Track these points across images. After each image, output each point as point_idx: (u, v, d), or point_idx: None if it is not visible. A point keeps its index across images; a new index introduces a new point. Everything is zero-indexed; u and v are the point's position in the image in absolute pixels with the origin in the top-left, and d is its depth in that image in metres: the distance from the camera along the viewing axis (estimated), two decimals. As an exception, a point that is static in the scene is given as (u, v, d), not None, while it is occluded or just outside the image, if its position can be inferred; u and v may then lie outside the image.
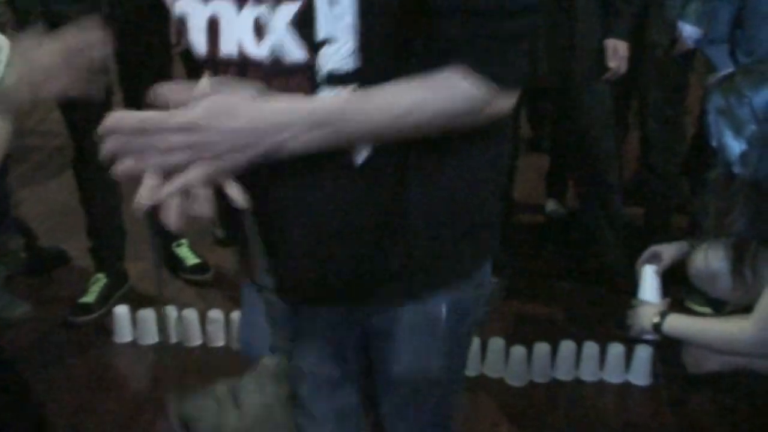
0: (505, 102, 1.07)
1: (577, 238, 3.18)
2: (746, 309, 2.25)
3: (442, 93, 1.04)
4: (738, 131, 2.05)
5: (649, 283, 2.48)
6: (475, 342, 2.54)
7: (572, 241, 3.21)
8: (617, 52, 2.60)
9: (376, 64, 1.03)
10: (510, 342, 2.54)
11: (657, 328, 2.29)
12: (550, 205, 3.49)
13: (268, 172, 1.02)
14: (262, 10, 1.02)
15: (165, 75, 2.79)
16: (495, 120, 1.09)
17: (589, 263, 2.95)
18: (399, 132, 1.04)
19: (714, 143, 2.10)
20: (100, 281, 2.91)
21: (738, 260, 2.23)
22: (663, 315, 2.27)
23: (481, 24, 1.01)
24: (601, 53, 2.62)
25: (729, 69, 2.40)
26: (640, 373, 2.50)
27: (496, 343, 2.53)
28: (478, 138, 1.12)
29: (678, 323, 2.26)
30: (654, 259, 2.53)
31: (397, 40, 1.03)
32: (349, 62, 1.02)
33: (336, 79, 1.03)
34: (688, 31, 2.79)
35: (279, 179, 1.08)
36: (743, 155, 2.07)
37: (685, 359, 2.38)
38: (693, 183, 3.14)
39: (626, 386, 2.50)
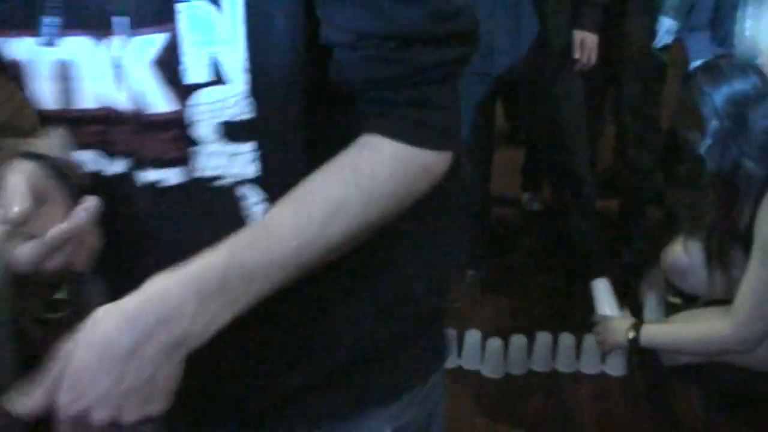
0: (441, 163, 0.82)
1: (552, 230, 3.19)
2: (717, 302, 2.27)
3: (364, 177, 0.78)
4: (701, 127, 2.07)
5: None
6: (452, 334, 2.55)
7: (548, 234, 3.22)
8: (584, 44, 2.60)
9: (280, 112, 0.79)
10: (486, 334, 2.54)
11: (634, 342, 2.27)
12: (526, 198, 3.50)
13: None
14: (118, 44, 0.79)
15: None
16: (435, 184, 0.83)
17: (565, 256, 2.96)
18: (326, 250, 0.78)
19: (681, 138, 2.12)
20: None
21: (709, 255, 2.25)
22: (637, 328, 2.26)
23: (390, 79, 0.79)
24: (570, 46, 2.62)
25: (705, 59, 2.42)
26: (616, 364, 2.51)
27: (473, 335, 2.54)
28: (421, 212, 0.83)
29: (655, 334, 2.25)
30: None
31: (301, 83, 0.79)
32: (243, 109, 0.78)
33: (229, 133, 0.79)
34: (667, 24, 2.80)
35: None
36: (708, 150, 2.09)
37: (660, 352, 2.40)
38: (667, 176, 3.17)
39: (602, 377, 2.51)
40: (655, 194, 3.13)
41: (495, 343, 2.51)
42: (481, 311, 2.80)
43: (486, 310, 2.81)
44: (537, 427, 2.32)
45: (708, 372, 2.29)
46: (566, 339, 2.53)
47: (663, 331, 2.24)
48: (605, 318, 2.39)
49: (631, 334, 2.26)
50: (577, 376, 2.52)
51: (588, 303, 2.77)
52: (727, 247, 2.18)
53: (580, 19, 2.58)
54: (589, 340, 2.52)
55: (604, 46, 2.72)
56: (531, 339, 2.54)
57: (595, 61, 2.65)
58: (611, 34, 2.79)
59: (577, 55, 2.60)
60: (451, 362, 2.53)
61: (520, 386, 2.48)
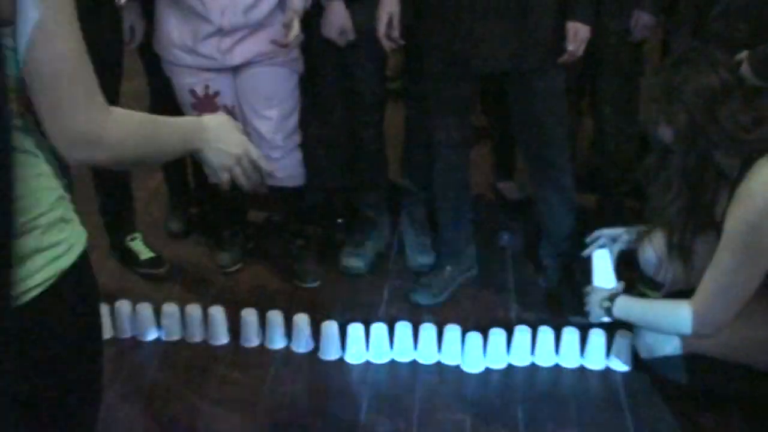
0: None
1: (531, 224, 3.19)
2: (680, 294, 2.29)
3: None
4: (669, 120, 2.08)
5: (602, 268, 2.51)
6: (432, 330, 2.55)
7: (527, 227, 3.23)
8: (578, 35, 2.57)
9: None
10: (466, 329, 2.55)
11: (608, 312, 2.33)
12: (506, 187, 3.49)
13: None
14: None
15: (118, 70, 2.78)
16: None
17: (544, 248, 2.96)
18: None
19: (649, 130, 2.14)
20: None
21: (670, 247, 2.28)
22: (612, 299, 2.31)
23: None
24: (555, 37, 2.62)
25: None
26: (595, 358, 2.52)
27: (453, 330, 2.54)
28: None
29: (625, 306, 2.30)
30: (610, 242, 2.57)
31: None
32: None
33: None
34: (645, 19, 2.81)
35: None
36: (676, 143, 2.11)
37: (637, 344, 2.42)
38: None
39: (581, 371, 2.52)
40: (634, 188, 3.14)
41: (474, 337, 2.51)
42: (460, 306, 2.80)
43: (465, 304, 2.82)
44: (517, 421, 2.33)
45: (683, 363, 2.31)
46: (545, 333, 2.53)
47: (634, 305, 2.30)
48: (595, 289, 2.40)
49: (605, 304, 2.31)
50: (556, 370, 2.53)
51: (568, 297, 2.78)
52: (689, 240, 2.20)
53: (574, 9, 2.56)
54: (568, 334, 2.54)
55: None
56: (510, 333, 2.54)
57: (582, 53, 2.63)
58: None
59: (570, 47, 2.57)
60: (430, 357, 2.54)
61: (499, 381, 2.49)
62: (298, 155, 2.84)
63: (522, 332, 2.54)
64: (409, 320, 2.60)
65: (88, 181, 2.99)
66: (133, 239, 3.06)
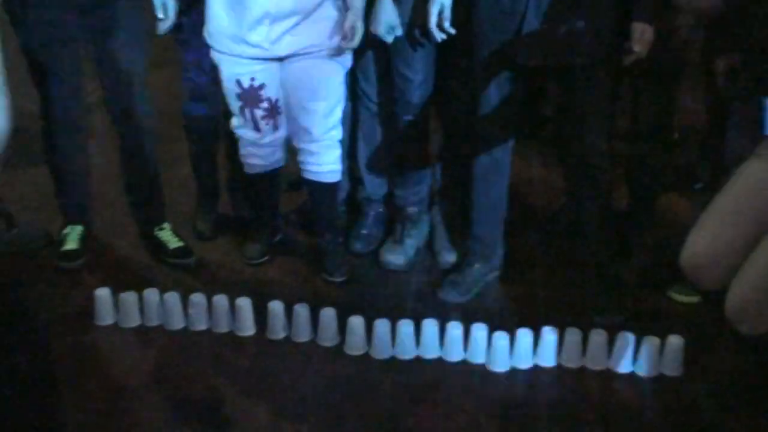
0: None
1: (562, 227, 3.17)
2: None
3: None
4: None
5: None
6: (459, 328, 2.54)
7: (557, 230, 3.20)
8: (644, 35, 2.50)
9: None
10: (493, 328, 2.54)
11: None
12: None
13: None
14: None
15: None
16: None
17: (575, 251, 2.94)
18: None
19: None
20: (77, 229, 3.03)
21: None
22: None
23: None
24: (610, 37, 2.54)
25: None
26: (622, 360, 2.50)
27: (479, 329, 2.53)
28: None
29: None
30: None
31: None
32: None
33: None
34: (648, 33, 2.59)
35: None
36: None
37: (731, 295, 2.26)
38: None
39: (607, 373, 2.50)
40: (665, 190, 3.11)
41: (501, 337, 2.50)
42: (488, 305, 2.79)
43: (492, 304, 2.80)
44: (541, 423, 2.31)
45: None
46: (573, 334, 2.51)
47: None
48: None
49: None
50: (583, 372, 2.50)
51: (594, 299, 2.76)
52: None
53: (639, 9, 2.50)
54: (595, 335, 2.51)
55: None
56: (537, 333, 2.53)
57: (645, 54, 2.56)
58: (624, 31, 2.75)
59: (636, 48, 2.51)
60: (456, 355, 2.53)
61: (526, 381, 2.48)
62: (337, 151, 2.84)
63: (549, 333, 2.52)
64: (436, 317, 2.59)
65: (118, 172, 3.02)
66: (161, 229, 3.08)
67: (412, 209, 3.08)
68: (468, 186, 2.89)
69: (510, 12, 2.50)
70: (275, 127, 2.81)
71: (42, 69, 2.75)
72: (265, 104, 2.75)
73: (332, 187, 2.90)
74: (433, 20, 2.55)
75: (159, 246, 3.06)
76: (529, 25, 2.48)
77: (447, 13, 2.55)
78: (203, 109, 3.02)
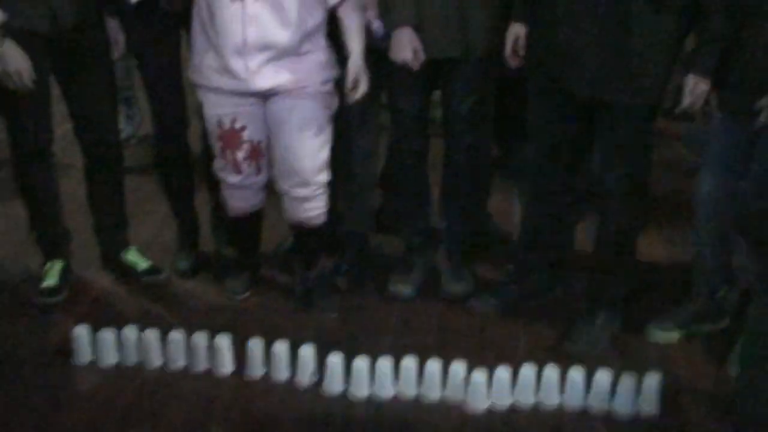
0: None
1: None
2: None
3: None
4: None
5: None
6: (437, 366, 2.54)
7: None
8: (696, 89, 2.46)
9: None
10: (471, 365, 2.54)
11: None
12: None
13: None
14: None
15: None
16: None
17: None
18: None
19: None
20: (57, 265, 3.01)
21: None
22: None
23: None
24: (664, 77, 2.53)
25: None
26: (600, 398, 2.50)
27: (458, 367, 2.53)
28: None
29: None
30: None
31: None
32: None
33: None
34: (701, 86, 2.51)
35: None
36: None
37: None
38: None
39: (585, 411, 2.50)
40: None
41: (480, 375, 2.50)
42: (466, 342, 2.79)
43: (471, 340, 2.80)
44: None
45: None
46: (551, 371, 2.52)
47: None
48: None
49: None
50: (560, 410, 2.50)
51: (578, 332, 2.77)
52: None
53: (695, 62, 2.46)
54: (573, 373, 2.51)
55: None
56: (516, 370, 2.53)
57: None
58: None
59: (686, 101, 2.48)
60: (434, 393, 2.53)
61: (503, 419, 2.48)
62: (325, 195, 2.83)
63: (527, 370, 2.52)
64: (415, 355, 2.59)
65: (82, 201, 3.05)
66: (127, 251, 3.13)
67: (417, 239, 3.10)
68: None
69: (555, 37, 2.54)
70: (257, 170, 2.80)
71: (10, 97, 2.73)
72: (246, 146, 2.74)
73: (321, 228, 2.89)
74: (508, 48, 2.66)
75: (127, 268, 3.09)
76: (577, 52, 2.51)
77: (521, 42, 2.63)
78: (173, 146, 3.05)
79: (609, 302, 2.83)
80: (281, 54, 2.61)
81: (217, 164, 2.82)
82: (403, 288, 3.04)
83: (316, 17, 2.64)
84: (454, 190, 3.02)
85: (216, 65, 2.65)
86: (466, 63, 2.76)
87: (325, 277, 3.02)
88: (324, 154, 2.76)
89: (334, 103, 2.75)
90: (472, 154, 2.93)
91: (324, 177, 2.79)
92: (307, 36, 2.63)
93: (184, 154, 3.11)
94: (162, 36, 2.86)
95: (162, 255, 3.23)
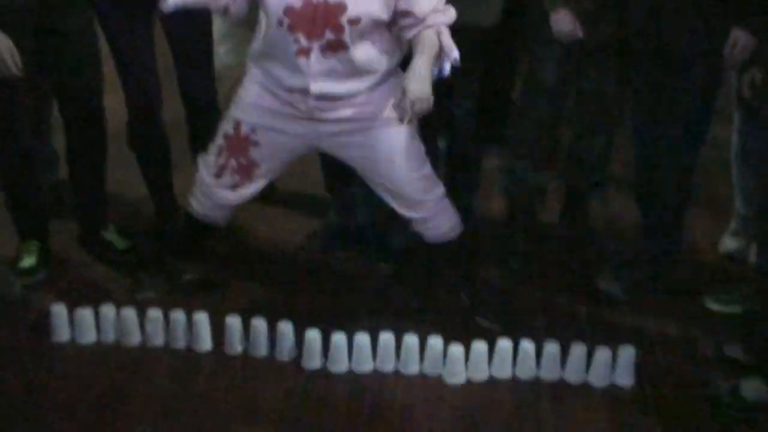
0: None
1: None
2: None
3: None
4: None
5: None
6: (415, 340, 2.56)
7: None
8: (738, 42, 2.52)
9: None
10: (448, 340, 2.56)
11: None
12: None
13: None
14: None
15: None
16: None
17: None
18: None
19: None
20: (34, 245, 3.01)
21: None
22: None
23: None
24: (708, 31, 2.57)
25: None
26: (576, 372, 2.53)
27: (435, 341, 2.55)
28: None
29: None
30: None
31: None
32: None
33: None
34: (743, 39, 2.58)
35: None
36: None
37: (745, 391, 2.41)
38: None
39: (561, 384, 2.53)
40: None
41: (456, 349, 2.52)
42: (443, 316, 2.81)
43: (449, 315, 2.82)
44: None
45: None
46: (525, 345, 2.54)
47: None
48: None
49: None
50: (537, 384, 2.54)
51: (545, 310, 2.80)
52: None
53: (744, 18, 2.53)
54: (548, 346, 2.54)
55: None
56: (492, 345, 2.55)
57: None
58: None
59: (727, 51, 2.56)
60: (412, 368, 2.55)
61: (481, 393, 2.50)
62: (450, 207, 2.67)
63: (504, 344, 2.55)
64: (392, 330, 2.61)
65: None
66: (107, 231, 3.13)
67: None
68: None
69: None
70: (233, 187, 2.65)
71: None
72: (243, 161, 2.60)
73: (453, 241, 2.72)
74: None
75: (106, 247, 3.09)
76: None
77: None
78: (147, 126, 3.07)
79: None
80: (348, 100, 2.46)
81: (205, 157, 2.69)
82: (396, 238, 3.06)
83: (392, 60, 2.45)
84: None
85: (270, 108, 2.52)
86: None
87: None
88: (424, 169, 2.58)
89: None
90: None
91: (436, 192, 2.62)
92: (379, 81, 2.45)
93: (159, 135, 3.10)
94: (135, 16, 2.85)
95: (141, 234, 3.22)
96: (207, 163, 2.68)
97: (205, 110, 3.13)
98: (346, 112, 2.46)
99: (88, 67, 2.87)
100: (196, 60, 3.06)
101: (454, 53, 2.37)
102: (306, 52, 2.34)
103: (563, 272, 3.07)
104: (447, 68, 2.40)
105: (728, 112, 3.10)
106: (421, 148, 2.58)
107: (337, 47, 2.33)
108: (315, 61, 2.35)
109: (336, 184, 3.13)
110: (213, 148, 2.65)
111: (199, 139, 3.03)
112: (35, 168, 3.00)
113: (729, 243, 3.16)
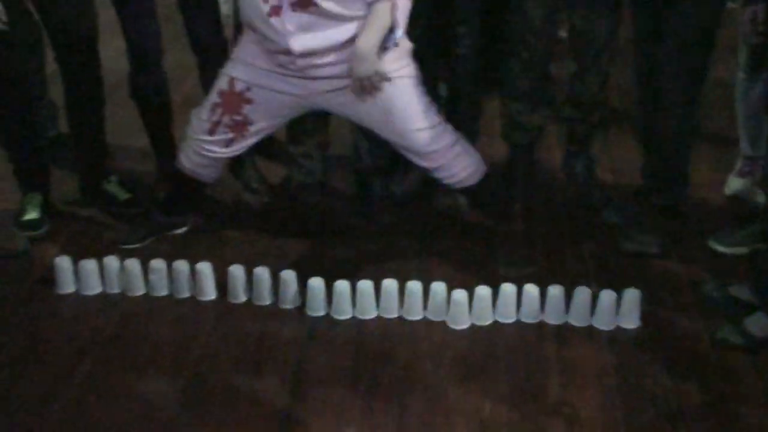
0: None
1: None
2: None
3: None
4: None
5: None
6: (418, 287, 2.56)
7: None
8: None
9: None
10: (452, 286, 2.56)
11: None
12: None
13: None
14: None
15: None
16: None
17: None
18: None
19: None
20: (36, 198, 3.00)
21: None
22: None
23: None
24: None
25: None
26: (581, 315, 2.53)
27: (439, 287, 2.55)
28: None
29: None
30: None
31: None
32: None
33: None
34: None
35: None
36: None
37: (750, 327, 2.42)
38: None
39: (566, 328, 2.53)
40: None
41: (460, 294, 2.52)
42: (447, 263, 2.81)
43: (451, 261, 2.82)
44: (500, 377, 2.35)
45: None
46: (531, 290, 2.54)
47: None
48: None
49: None
50: (541, 327, 2.54)
51: (549, 253, 2.79)
52: None
53: None
54: (552, 290, 2.54)
55: None
56: (496, 290, 2.55)
57: None
58: None
59: None
60: (416, 314, 2.55)
61: (485, 337, 2.50)
62: (461, 149, 2.65)
63: (507, 289, 2.55)
64: (396, 277, 2.61)
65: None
66: (109, 182, 3.12)
67: None
68: None
69: None
70: (226, 144, 2.65)
71: None
72: (238, 119, 2.60)
73: (483, 183, 2.74)
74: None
75: (107, 198, 3.09)
76: None
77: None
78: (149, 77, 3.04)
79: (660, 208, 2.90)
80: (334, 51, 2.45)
81: (198, 112, 2.68)
82: (396, 187, 3.08)
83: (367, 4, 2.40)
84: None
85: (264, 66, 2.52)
86: None
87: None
88: (428, 120, 2.56)
89: (413, 69, 2.53)
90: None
91: (445, 140, 2.60)
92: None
93: (160, 84, 3.08)
94: None
95: (142, 187, 3.21)
96: (200, 119, 2.66)
97: (215, 54, 3.07)
98: (336, 69, 2.45)
99: (82, 14, 2.83)
100: (203, 2, 3.00)
101: (398, 33, 2.40)
102: (277, 11, 2.35)
103: (567, 216, 3.06)
104: (392, 41, 2.41)
105: (732, 51, 3.06)
106: (424, 98, 2.56)
107: (306, 2, 2.33)
108: (287, 19, 2.36)
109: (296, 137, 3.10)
110: (207, 105, 2.63)
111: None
112: (35, 120, 2.99)
113: (734, 184, 3.13)
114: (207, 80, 3.06)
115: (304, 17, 2.36)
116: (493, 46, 3.03)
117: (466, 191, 2.79)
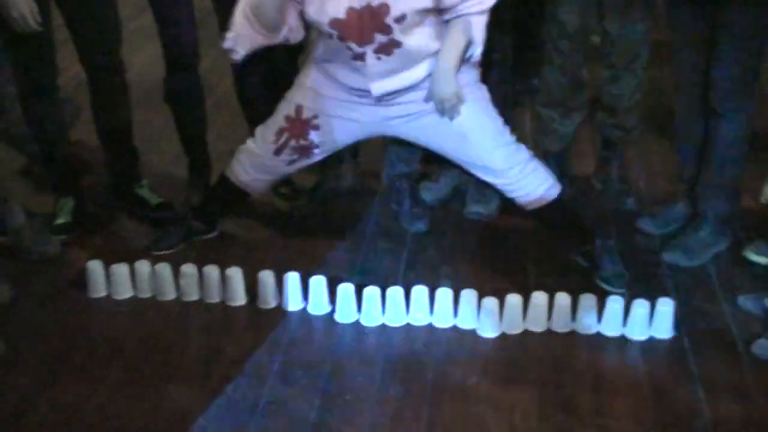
0: None
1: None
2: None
3: None
4: None
5: None
6: (448, 294, 2.54)
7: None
8: None
9: None
10: (482, 294, 2.54)
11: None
12: None
13: None
14: None
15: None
16: None
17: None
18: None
19: None
20: (69, 203, 3.03)
21: None
22: None
23: None
24: None
25: None
26: (612, 325, 2.50)
27: (469, 295, 2.53)
28: None
29: None
30: None
31: None
32: None
33: None
34: None
35: None
36: None
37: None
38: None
39: (597, 338, 2.50)
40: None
41: (490, 302, 2.50)
42: (477, 271, 2.79)
43: (482, 269, 2.80)
44: (532, 386, 2.32)
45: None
46: (562, 299, 2.51)
47: None
48: None
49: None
50: (572, 337, 2.51)
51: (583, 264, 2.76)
52: None
53: None
54: (585, 300, 2.51)
55: None
56: (526, 298, 2.53)
57: None
58: None
59: None
60: (446, 321, 2.53)
61: (515, 346, 2.48)
62: (536, 169, 2.60)
63: (538, 298, 2.52)
64: (426, 284, 2.59)
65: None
66: (140, 186, 3.15)
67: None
68: None
69: None
70: (289, 163, 2.70)
71: (14, 35, 2.69)
72: (303, 144, 2.64)
73: (557, 201, 2.65)
74: None
75: (140, 203, 3.10)
76: None
77: None
78: (184, 80, 3.04)
79: (715, 217, 2.82)
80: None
81: (263, 132, 2.69)
82: (427, 194, 3.09)
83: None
84: None
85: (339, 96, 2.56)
86: None
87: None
88: (503, 140, 2.56)
89: (484, 92, 2.57)
90: None
91: (519, 158, 2.57)
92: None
93: (195, 89, 3.08)
94: None
95: (173, 192, 3.22)
96: (265, 140, 2.69)
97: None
98: (411, 96, 2.49)
99: (105, 18, 2.85)
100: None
101: (477, 50, 2.43)
102: (361, 56, 2.39)
103: (600, 223, 3.03)
104: (475, 56, 2.46)
105: None
106: (498, 119, 2.57)
107: (390, 46, 2.36)
108: (371, 63, 2.39)
109: None
110: (272, 127, 2.67)
111: (245, 91, 3.06)
112: (64, 123, 3.01)
113: None
114: (242, 87, 3.05)
115: (388, 62, 2.39)
116: (522, 55, 3.01)
117: (540, 213, 2.68)
